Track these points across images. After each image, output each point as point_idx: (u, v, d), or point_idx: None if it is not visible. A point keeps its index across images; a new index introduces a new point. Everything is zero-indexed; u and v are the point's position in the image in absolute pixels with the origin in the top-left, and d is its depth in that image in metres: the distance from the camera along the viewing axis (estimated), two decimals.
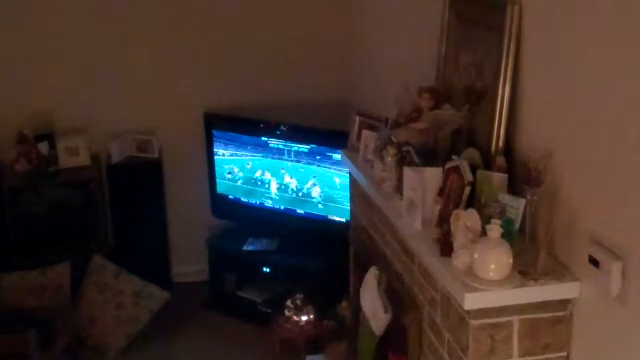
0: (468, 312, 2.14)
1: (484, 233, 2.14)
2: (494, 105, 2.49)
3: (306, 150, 4.32)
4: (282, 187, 4.47)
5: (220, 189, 4.68)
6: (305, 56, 4.74)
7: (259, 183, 4.54)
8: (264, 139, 4.45)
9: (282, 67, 4.71)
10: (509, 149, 2.49)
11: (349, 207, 3.68)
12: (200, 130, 4.65)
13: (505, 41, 2.44)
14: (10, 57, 4.43)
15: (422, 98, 2.76)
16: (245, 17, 4.65)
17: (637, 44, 1.85)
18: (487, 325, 2.15)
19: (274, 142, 4.42)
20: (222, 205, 4.72)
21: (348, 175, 3.60)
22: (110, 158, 4.55)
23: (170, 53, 4.62)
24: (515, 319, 2.16)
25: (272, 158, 4.46)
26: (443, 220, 2.34)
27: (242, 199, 4.63)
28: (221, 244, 4.67)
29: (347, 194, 3.71)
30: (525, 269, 2.16)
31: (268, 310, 4.34)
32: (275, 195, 4.50)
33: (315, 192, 4.34)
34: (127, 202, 4.56)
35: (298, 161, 4.37)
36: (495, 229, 2.11)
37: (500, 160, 2.42)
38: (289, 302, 4.07)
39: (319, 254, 4.30)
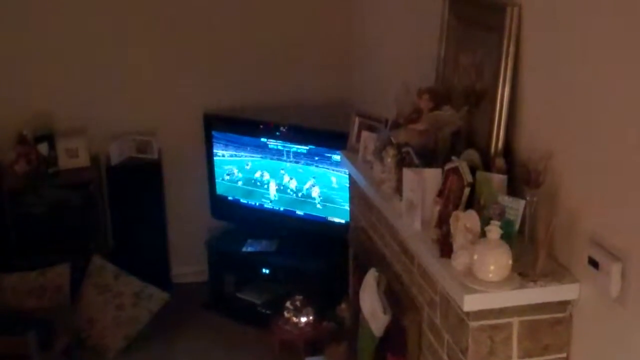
0: (467, 313, 2.13)
1: (483, 234, 2.14)
2: (493, 106, 2.49)
3: (305, 151, 4.32)
4: (282, 187, 4.46)
5: (220, 190, 4.67)
6: (305, 56, 4.74)
7: (258, 184, 4.54)
8: (263, 139, 4.44)
9: (282, 67, 4.71)
10: (508, 150, 2.49)
11: (348, 208, 3.68)
12: (200, 131, 4.65)
13: (505, 42, 2.44)
14: (10, 57, 4.43)
15: (422, 99, 2.75)
16: (245, 17, 4.65)
17: (637, 44, 1.84)
18: (487, 327, 2.15)
19: (273, 143, 4.42)
20: (222, 207, 4.71)
21: (347, 176, 3.59)
22: (109, 159, 4.54)
23: (170, 53, 4.62)
24: (515, 320, 2.16)
25: (272, 159, 4.45)
26: (442, 221, 2.33)
27: (242, 200, 4.63)
28: (221, 245, 4.67)
29: (347, 195, 3.70)
30: (524, 271, 2.16)
31: (267, 312, 4.34)
32: (275, 196, 4.50)
33: (315, 193, 4.33)
34: (126, 203, 4.56)
35: (297, 162, 4.36)
36: (494, 230, 2.11)
37: (500, 162, 2.42)
38: (288, 304, 4.06)
39: (318, 255, 4.30)
